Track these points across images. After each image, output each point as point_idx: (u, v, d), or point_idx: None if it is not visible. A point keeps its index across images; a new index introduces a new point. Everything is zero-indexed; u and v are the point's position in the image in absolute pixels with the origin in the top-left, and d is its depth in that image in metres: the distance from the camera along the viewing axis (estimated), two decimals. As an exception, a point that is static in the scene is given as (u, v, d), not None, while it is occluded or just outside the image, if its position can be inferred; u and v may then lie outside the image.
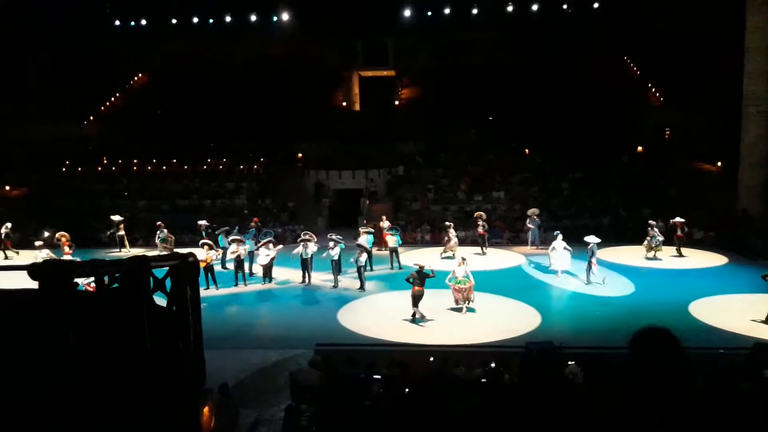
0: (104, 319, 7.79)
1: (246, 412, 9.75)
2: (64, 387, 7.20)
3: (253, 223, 22.18)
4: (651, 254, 19.79)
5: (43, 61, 32.08)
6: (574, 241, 18.56)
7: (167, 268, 8.85)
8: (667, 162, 27.46)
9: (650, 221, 20.26)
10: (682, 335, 2.68)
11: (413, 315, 13.86)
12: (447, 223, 21.75)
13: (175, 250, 18.89)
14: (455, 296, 14.44)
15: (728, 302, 15.06)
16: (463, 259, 14.79)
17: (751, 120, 22.94)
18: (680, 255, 20.07)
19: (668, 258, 19.86)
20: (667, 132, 31.42)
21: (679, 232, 20.20)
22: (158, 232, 21.36)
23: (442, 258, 20.14)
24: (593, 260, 16.85)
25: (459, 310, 14.38)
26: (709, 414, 2.89)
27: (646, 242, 19.82)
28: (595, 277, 16.93)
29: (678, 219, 20.24)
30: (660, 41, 31.93)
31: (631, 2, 33.50)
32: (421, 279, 13.78)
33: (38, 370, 7.32)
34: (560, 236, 17.95)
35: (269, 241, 18.19)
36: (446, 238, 21.00)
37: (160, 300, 8.93)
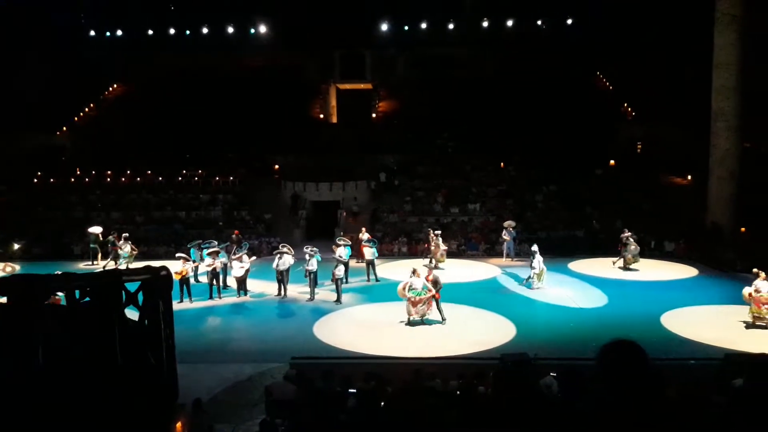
0: (75, 334, 7.67)
1: (220, 427, 9.62)
2: (34, 403, 7.05)
3: (234, 236, 22.05)
4: (631, 264, 20.13)
5: (17, 71, 31.55)
6: (549, 252, 18.85)
7: (140, 282, 8.74)
8: (639, 175, 27.98)
9: (628, 233, 20.58)
10: (653, 347, 2.72)
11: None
12: (437, 231, 21.56)
13: (149, 263, 18.65)
14: (409, 309, 14.16)
15: (699, 314, 15.33)
16: (415, 270, 14.49)
17: (720, 134, 23.50)
18: (625, 268, 20.32)
19: (640, 270, 20.18)
20: (639, 145, 32.05)
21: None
22: (120, 243, 20.80)
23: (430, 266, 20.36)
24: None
25: (411, 324, 14.15)
26: (680, 426, 2.93)
27: (628, 253, 20.09)
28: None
29: (627, 231, 20.59)
30: (631, 57, 32.66)
31: (604, 18, 34.22)
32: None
33: (7, 387, 7.16)
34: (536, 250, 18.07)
35: (243, 254, 18.06)
36: (434, 246, 20.93)
37: (133, 314, 8.78)
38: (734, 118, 23.24)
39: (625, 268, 20.19)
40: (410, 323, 14.25)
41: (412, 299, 14.11)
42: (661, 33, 31.33)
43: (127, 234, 21.48)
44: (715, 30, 23.34)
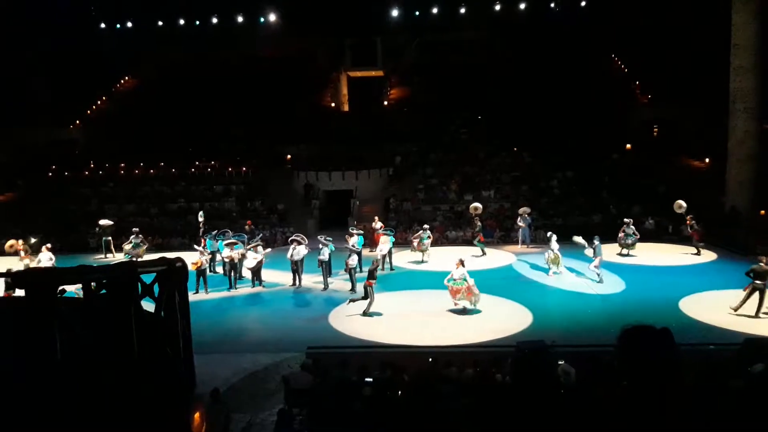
0: (91, 326, 7.71)
1: (238, 416, 9.68)
2: (52, 396, 7.11)
3: (247, 226, 22.13)
4: (624, 251, 19.99)
5: (28, 65, 31.74)
6: (565, 239, 18.70)
7: (155, 273, 8.75)
8: (655, 159, 27.60)
9: (625, 219, 20.55)
10: (672, 332, 2.65)
11: None
12: (425, 225, 21.31)
13: (163, 255, 18.75)
14: (452, 296, 14.26)
15: (718, 298, 15.12)
16: (461, 261, 14.41)
17: (738, 116, 23.06)
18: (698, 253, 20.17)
19: (658, 255, 19.99)
20: (656, 129, 31.57)
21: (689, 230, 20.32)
22: (132, 237, 20.78)
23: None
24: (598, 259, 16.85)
25: (461, 311, 14.18)
26: (699, 411, 2.87)
27: (620, 239, 20.07)
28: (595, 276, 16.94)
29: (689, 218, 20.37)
30: (647, 39, 32.12)
31: (618, 0, 33.68)
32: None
33: (25, 379, 7.22)
34: (554, 237, 17.90)
35: (258, 245, 18.10)
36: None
37: (149, 305, 8.79)
38: (752, 100, 22.81)
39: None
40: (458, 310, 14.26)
41: (453, 288, 14.17)
42: (676, 13, 30.75)
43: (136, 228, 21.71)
44: (733, 9, 22.86)
